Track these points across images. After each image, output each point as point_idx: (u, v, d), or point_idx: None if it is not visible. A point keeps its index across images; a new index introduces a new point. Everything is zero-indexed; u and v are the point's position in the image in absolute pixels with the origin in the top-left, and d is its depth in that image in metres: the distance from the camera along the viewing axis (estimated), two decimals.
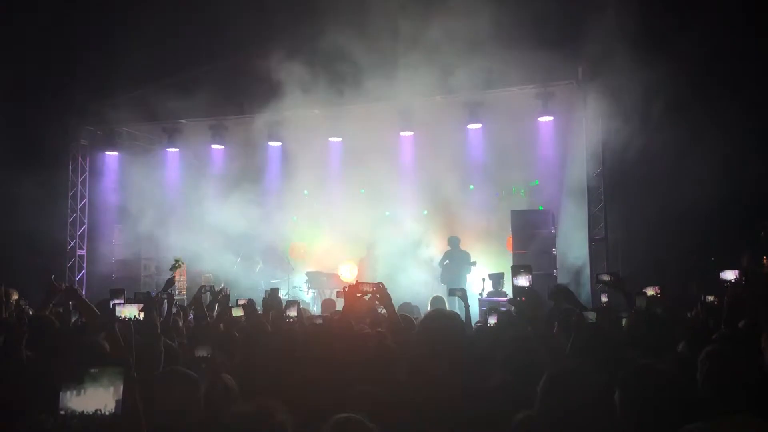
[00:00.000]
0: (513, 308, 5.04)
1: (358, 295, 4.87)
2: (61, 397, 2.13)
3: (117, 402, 2.14)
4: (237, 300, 7.80)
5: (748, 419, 2.77)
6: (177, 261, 7.72)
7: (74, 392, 2.13)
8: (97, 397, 2.14)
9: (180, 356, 4.58)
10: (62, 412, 2.12)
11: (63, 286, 5.67)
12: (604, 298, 7.93)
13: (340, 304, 6.75)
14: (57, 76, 12.92)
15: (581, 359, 4.17)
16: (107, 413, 2.12)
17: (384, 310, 5.13)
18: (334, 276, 14.10)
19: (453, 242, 13.28)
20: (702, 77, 10.41)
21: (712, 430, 2.76)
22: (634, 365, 3.17)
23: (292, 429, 2.59)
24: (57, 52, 12.80)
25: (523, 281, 4.44)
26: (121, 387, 2.16)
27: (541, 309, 4.47)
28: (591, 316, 4.92)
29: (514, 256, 12.25)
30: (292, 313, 6.04)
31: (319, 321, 5.67)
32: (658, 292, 6.75)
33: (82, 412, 2.12)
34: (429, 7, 11.56)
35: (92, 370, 2.17)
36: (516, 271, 4.50)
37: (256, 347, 4.79)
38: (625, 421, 2.92)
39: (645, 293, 6.33)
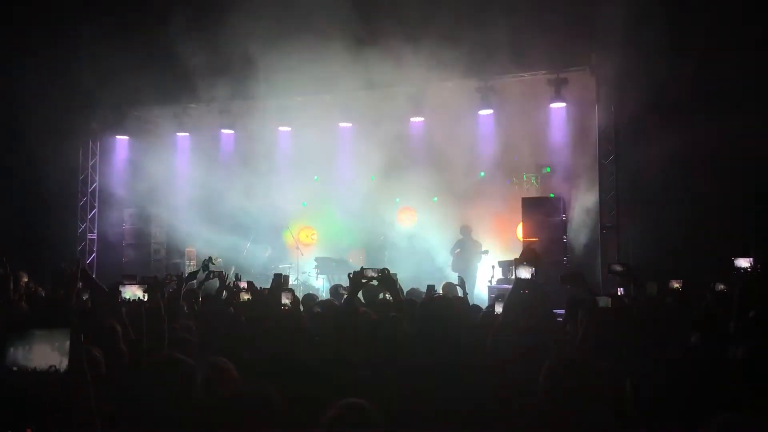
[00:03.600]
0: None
1: (363, 281, 4.86)
2: (9, 353, 2.20)
3: (64, 361, 2.22)
4: (232, 282, 7.77)
5: None
6: (210, 259, 7.66)
7: (21, 349, 2.21)
8: (45, 356, 2.22)
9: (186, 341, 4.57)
10: (14, 368, 2.19)
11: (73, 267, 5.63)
12: (620, 291, 7.82)
13: None
14: (66, 61, 12.89)
15: (592, 345, 4.13)
16: (54, 370, 2.21)
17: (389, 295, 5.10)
18: (343, 262, 14.07)
19: (465, 231, 13.22)
20: (717, 62, 10.25)
21: (746, 419, 2.70)
22: (646, 355, 3.12)
23: (285, 412, 2.56)
24: (67, 38, 12.79)
25: (526, 273, 4.36)
26: (68, 347, 2.23)
27: (544, 303, 4.40)
28: (603, 301, 4.87)
29: (525, 243, 12.19)
30: (286, 300, 6.00)
31: (318, 310, 5.61)
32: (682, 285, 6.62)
33: (31, 368, 2.20)
34: None
35: (38, 332, 2.24)
36: (519, 263, 4.42)
37: (262, 331, 4.78)
38: (637, 409, 2.88)
39: (654, 282, 6.25)
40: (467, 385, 3.21)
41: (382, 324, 4.73)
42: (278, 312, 5.79)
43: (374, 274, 4.89)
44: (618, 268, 6.34)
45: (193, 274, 7.07)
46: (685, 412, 2.83)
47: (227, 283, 7.54)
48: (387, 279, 4.91)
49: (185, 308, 6.43)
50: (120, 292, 4.80)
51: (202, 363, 3.29)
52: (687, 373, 2.99)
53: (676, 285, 6.47)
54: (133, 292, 4.72)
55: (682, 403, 2.87)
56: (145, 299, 4.67)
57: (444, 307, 4.08)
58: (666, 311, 5.02)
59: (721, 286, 5.77)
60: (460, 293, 7.01)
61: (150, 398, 2.93)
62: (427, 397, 3.19)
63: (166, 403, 2.91)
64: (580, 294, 4.95)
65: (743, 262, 6.61)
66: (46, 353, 2.23)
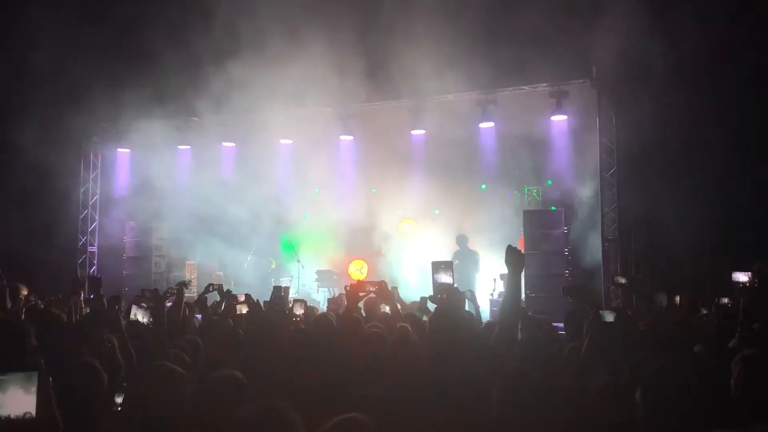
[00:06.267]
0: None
1: (361, 294, 4.81)
2: None
3: (31, 405, 2.12)
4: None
5: None
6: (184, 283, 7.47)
7: None
8: (18, 402, 2.11)
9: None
10: None
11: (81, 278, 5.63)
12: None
13: None
14: (69, 74, 12.92)
15: (593, 359, 4.09)
16: (22, 416, 2.10)
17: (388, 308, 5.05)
18: (344, 274, 14.03)
19: (461, 241, 13.17)
20: (717, 76, 10.25)
21: None
22: (657, 364, 3.08)
23: (303, 428, 2.51)
24: (69, 50, 12.82)
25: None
26: (35, 390, 2.13)
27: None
28: (607, 315, 4.82)
29: (526, 256, 12.11)
30: (299, 311, 5.97)
31: (302, 326, 5.53)
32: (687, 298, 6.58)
33: (4, 416, 2.09)
34: (441, 5, 11.47)
35: (7, 377, 2.13)
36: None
37: (261, 345, 4.73)
38: (646, 421, 2.84)
39: (665, 292, 6.22)
40: (471, 398, 3.17)
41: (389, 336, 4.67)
42: (278, 325, 5.75)
43: (372, 288, 4.84)
44: (621, 280, 6.32)
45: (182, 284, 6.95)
46: (687, 426, 2.79)
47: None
48: (384, 292, 4.86)
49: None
50: (120, 303, 4.78)
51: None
52: (690, 385, 2.95)
53: (678, 298, 6.45)
54: (141, 314, 4.67)
55: (685, 416, 2.83)
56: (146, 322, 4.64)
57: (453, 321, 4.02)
58: (672, 323, 4.98)
59: (725, 300, 5.73)
60: (467, 307, 6.92)
61: (141, 405, 2.89)
62: (429, 412, 3.14)
63: (155, 411, 2.87)
64: (585, 307, 4.90)
65: (742, 277, 6.56)
66: (20, 398, 2.11)
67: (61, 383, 3.22)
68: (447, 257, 13.35)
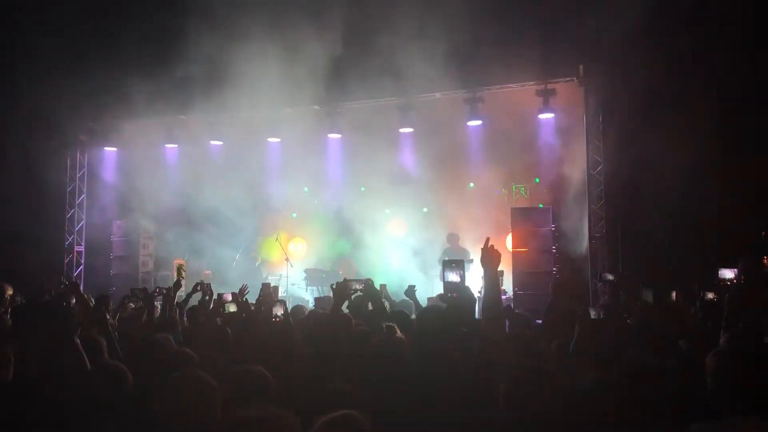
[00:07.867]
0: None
1: (349, 292, 4.81)
2: None
3: None
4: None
5: (757, 421, 2.70)
6: (180, 267, 7.49)
7: None
8: None
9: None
10: None
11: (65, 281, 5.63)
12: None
13: None
14: (55, 73, 12.83)
15: (582, 356, 4.12)
16: None
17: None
18: (333, 273, 14.01)
19: (451, 239, 13.21)
20: (703, 74, 10.32)
21: (718, 430, 2.70)
22: (638, 363, 3.11)
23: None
24: (55, 48, 12.73)
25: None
26: None
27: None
28: (593, 313, 4.85)
29: (514, 254, 12.22)
30: (279, 311, 5.95)
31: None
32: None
33: None
34: (428, 3, 11.48)
35: None
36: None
37: (250, 343, 4.73)
38: (627, 418, 2.87)
39: (651, 288, 6.24)
40: (461, 396, 3.18)
41: (374, 335, 4.67)
42: (268, 323, 5.75)
43: (358, 286, 4.82)
44: (609, 276, 6.35)
45: (177, 284, 6.97)
46: (671, 421, 2.82)
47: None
48: (371, 290, 4.85)
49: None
50: (108, 303, 4.76)
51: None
52: (674, 381, 2.99)
53: (674, 294, 6.46)
54: None
55: (669, 411, 2.87)
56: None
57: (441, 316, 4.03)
58: (661, 320, 5.01)
59: (710, 295, 5.76)
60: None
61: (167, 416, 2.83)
62: (421, 408, 3.15)
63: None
64: (573, 304, 4.93)
65: (728, 273, 6.61)
66: None
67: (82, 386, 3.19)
68: (436, 255, 13.43)
